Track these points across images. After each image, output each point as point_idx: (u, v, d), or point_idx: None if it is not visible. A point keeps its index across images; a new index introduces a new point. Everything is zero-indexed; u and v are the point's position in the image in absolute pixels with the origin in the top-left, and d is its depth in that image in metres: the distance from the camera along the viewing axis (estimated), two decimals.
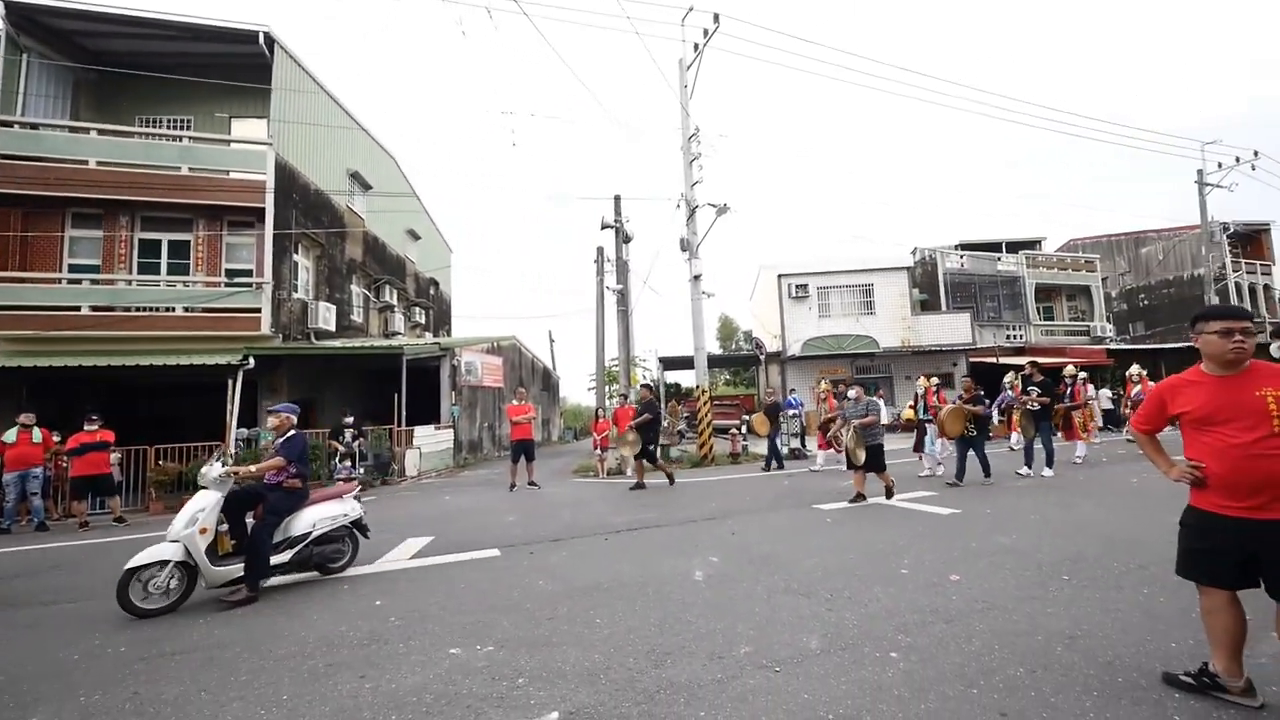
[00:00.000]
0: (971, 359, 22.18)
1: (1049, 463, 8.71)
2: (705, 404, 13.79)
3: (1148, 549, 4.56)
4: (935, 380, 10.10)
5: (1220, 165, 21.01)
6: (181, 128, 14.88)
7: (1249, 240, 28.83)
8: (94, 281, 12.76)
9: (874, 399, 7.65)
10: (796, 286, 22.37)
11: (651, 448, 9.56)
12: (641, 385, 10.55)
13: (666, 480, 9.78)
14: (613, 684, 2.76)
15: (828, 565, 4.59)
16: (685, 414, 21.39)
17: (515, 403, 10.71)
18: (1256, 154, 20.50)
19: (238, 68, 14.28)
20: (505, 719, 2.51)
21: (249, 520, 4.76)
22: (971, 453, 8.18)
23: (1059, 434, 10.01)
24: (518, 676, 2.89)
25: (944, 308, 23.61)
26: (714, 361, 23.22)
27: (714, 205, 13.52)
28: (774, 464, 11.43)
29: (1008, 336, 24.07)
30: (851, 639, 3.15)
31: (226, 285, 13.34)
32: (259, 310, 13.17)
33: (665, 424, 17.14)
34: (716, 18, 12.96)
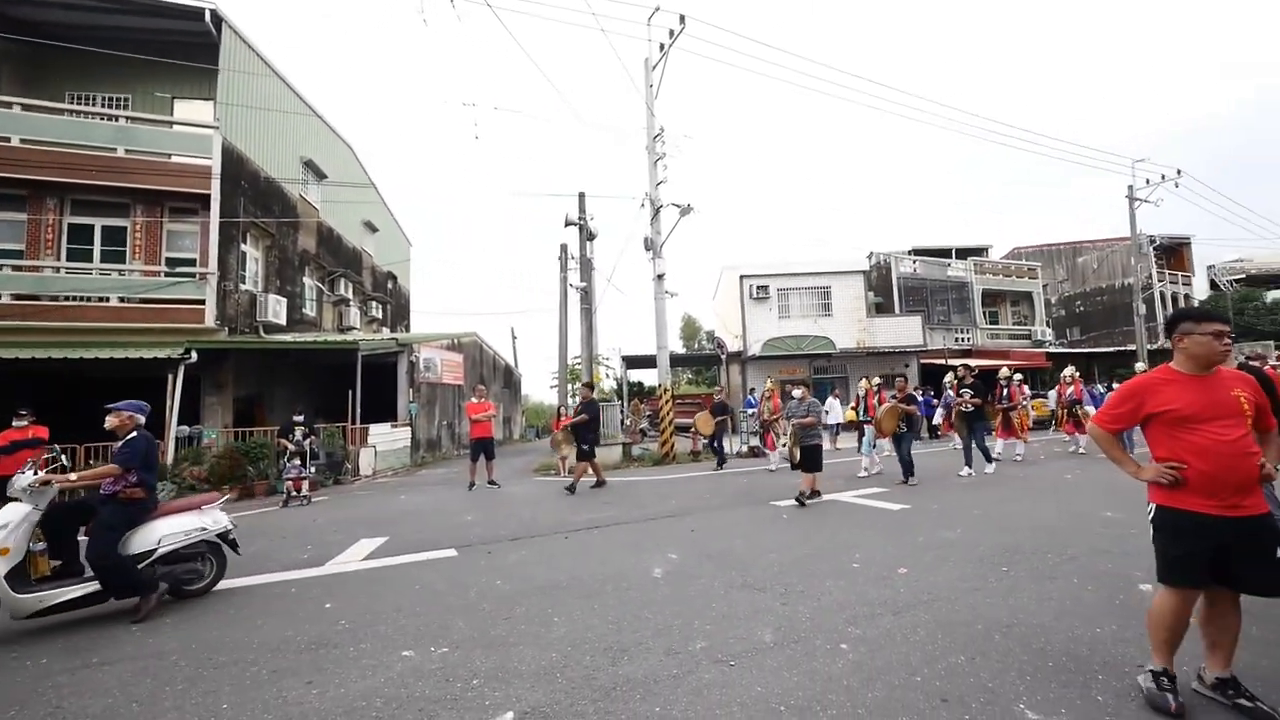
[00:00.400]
0: (922, 360, 23.06)
1: (987, 459, 9.11)
2: (667, 403, 13.88)
3: (1079, 541, 4.86)
4: (877, 381, 10.43)
5: (1148, 181, 22.44)
6: (118, 107, 14.00)
7: (1172, 252, 30.93)
8: (16, 268, 11.89)
9: (815, 400, 7.67)
10: (758, 287, 22.76)
11: (585, 447, 9.27)
12: (581, 384, 10.20)
13: (572, 482, 9.24)
14: (569, 682, 2.76)
15: (783, 560, 4.70)
16: (648, 412, 21.49)
17: (475, 400, 10.54)
18: (1180, 173, 21.98)
19: (181, 46, 13.54)
20: None
21: (84, 539, 4.12)
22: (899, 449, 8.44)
23: (993, 434, 10.51)
24: (472, 678, 2.85)
25: (897, 310, 24.45)
26: (676, 361, 23.37)
27: (678, 205, 13.61)
28: (719, 463, 11.63)
29: (956, 339, 25.12)
30: (804, 632, 3.24)
31: (167, 275, 12.64)
32: (203, 302, 12.54)
33: (628, 422, 17.20)
34: (682, 19, 13.03)
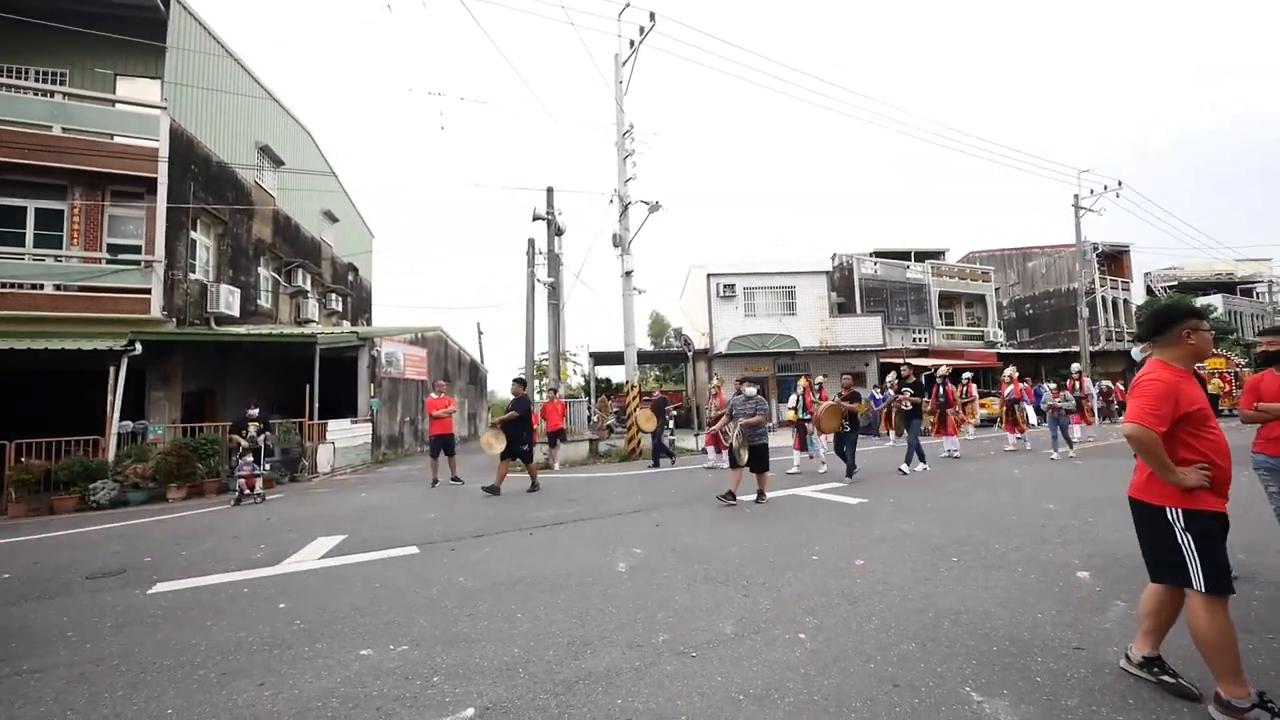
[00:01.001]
0: (882, 359, 23.72)
1: (908, 459, 9.18)
2: (634, 399, 13.92)
3: (1024, 532, 5.11)
4: (819, 380, 10.62)
5: (1092, 191, 23.61)
6: (54, 82, 13.16)
7: (1113, 259, 32.60)
8: None
9: (762, 398, 7.46)
10: (724, 286, 23.01)
11: (525, 448, 8.86)
12: (514, 380, 9.77)
13: (532, 482, 8.91)
14: (531, 677, 2.76)
15: (745, 554, 4.78)
16: (615, 409, 21.50)
17: (434, 396, 10.36)
18: (1120, 184, 23.21)
19: (125, 20, 12.80)
20: (419, 718, 2.44)
21: None
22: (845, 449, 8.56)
23: (931, 431, 10.91)
24: (433, 675, 2.82)
25: (859, 311, 25.10)
26: (644, 358, 23.45)
27: (646, 203, 13.64)
28: (663, 460, 11.59)
29: (914, 339, 25.94)
30: (764, 622, 3.31)
31: (109, 262, 11.97)
32: (148, 291, 11.92)
33: (595, 418, 17.16)
34: (652, 16, 13.05)
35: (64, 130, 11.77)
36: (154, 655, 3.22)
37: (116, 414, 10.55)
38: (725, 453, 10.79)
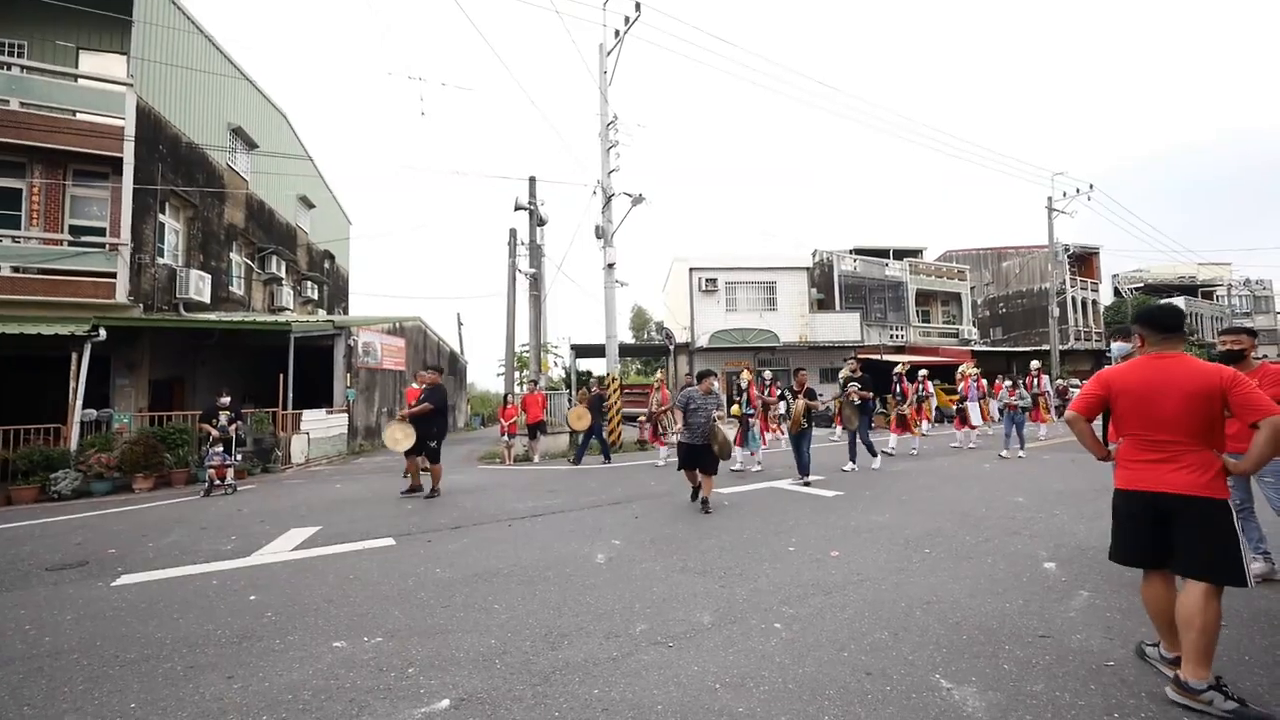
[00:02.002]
0: (859, 356, 24.06)
1: (872, 453, 9.11)
2: (615, 392, 13.91)
3: (993, 524, 5.23)
4: (769, 374, 10.51)
5: (1065, 194, 24.18)
6: (11, 54, 12.59)
7: (1083, 261, 33.42)
8: None
9: (718, 394, 6.85)
10: (706, 280, 23.08)
11: (433, 444, 7.84)
12: (430, 368, 8.40)
13: (410, 486, 8.08)
14: (508, 668, 2.75)
15: (723, 545, 4.82)
16: None
17: (415, 386, 10.21)
18: (1092, 186, 23.80)
19: None
20: (392, 710, 2.41)
21: None
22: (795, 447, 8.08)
23: (890, 429, 10.98)
24: (407, 666, 2.79)
25: (838, 307, 25.35)
26: (625, 350, 23.41)
27: (629, 195, 13.60)
28: (594, 456, 11.23)
29: (891, 336, 26.32)
30: (740, 612, 3.35)
31: (71, 244, 11.53)
32: (113, 275, 11.52)
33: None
34: (638, 6, 12.94)
35: (22, 105, 11.29)
36: (117, 649, 3.13)
37: (79, 401, 10.20)
38: (665, 448, 10.52)
